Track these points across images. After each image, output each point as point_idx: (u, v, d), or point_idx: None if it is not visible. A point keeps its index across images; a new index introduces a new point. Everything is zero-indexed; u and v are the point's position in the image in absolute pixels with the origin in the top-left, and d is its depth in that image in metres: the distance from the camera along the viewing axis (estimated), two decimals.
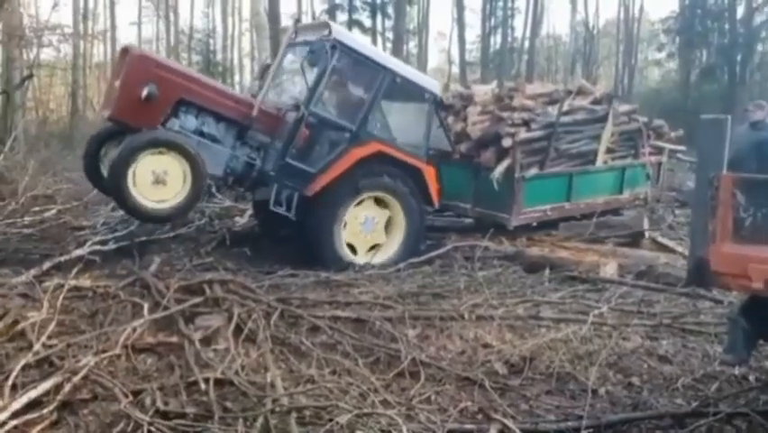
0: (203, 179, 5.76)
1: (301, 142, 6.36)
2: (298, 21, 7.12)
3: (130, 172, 5.45)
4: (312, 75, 6.29)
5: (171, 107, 5.94)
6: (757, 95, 17.59)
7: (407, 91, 6.89)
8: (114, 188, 5.55)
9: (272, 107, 6.51)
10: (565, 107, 8.16)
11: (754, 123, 7.26)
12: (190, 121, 6.11)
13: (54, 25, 17.93)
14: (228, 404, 3.33)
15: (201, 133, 6.14)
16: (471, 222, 8.32)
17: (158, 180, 5.59)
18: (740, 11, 25.77)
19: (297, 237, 6.75)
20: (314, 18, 29.53)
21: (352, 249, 6.68)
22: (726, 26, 26.11)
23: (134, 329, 4.11)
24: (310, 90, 6.27)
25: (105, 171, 6.09)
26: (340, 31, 6.62)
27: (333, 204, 6.38)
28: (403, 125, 7.10)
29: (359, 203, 6.60)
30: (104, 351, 3.79)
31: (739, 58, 25.06)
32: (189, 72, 6.85)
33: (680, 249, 7.11)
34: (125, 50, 6.22)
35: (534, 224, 8.07)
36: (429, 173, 6.90)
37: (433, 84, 7.19)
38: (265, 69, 7.40)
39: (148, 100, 5.70)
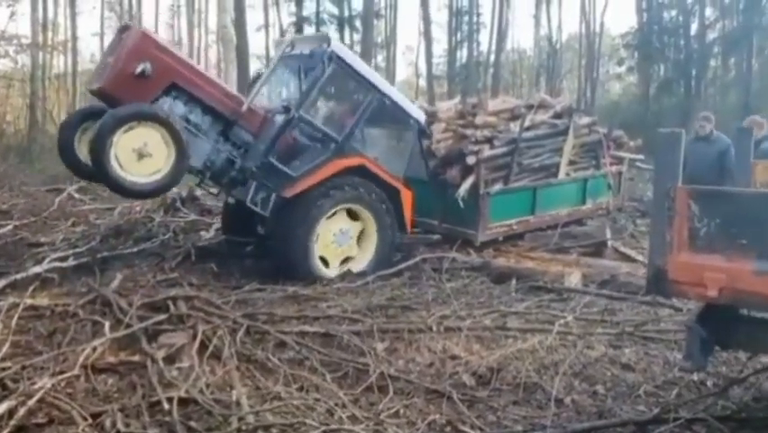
0: (181, 135, 5.69)
1: (285, 146, 6.42)
2: (299, 30, 7.21)
3: (112, 159, 5.37)
4: (306, 81, 6.41)
5: (163, 90, 5.92)
6: (711, 108, 18.27)
7: (394, 115, 7.02)
8: (105, 178, 5.48)
9: (261, 108, 6.54)
10: (527, 123, 8.34)
11: (706, 136, 7.30)
12: (179, 107, 6.08)
13: (11, 35, 17.48)
14: (192, 424, 3.26)
15: (187, 121, 6.10)
16: (439, 238, 8.40)
17: (142, 155, 5.52)
18: (694, 27, 26.87)
19: (266, 248, 6.68)
20: (281, 31, 29.51)
21: (323, 261, 6.63)
22: (682, 42, 27.14)
23: (94, 349, 4.01)
24: (302, 95, 6.40)
25: (83, 158, 5.99)
26: (339, 45, 6.75)
27: (309, 210, 6.35)
28: (385, 147, 7.22)
29: (333, 214, 6.57)
30: (61, 372, 3.67)
31: (694, 72, 26.05)
32: (186, 59, 6.83)
33: (641, 258, 7.29)
34: (126, 27, 6.20)
35: (501, 238, 8.21)
36: (406, 196, 6.99)
37: (418, 112, 7.31)
38: (255, 79, 7.40)
39: (140, 77, 5.67)
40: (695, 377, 4.06)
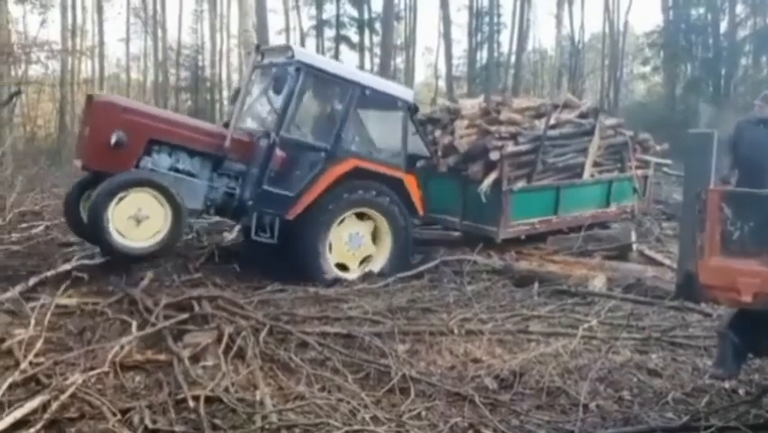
0: (181, 206, 5.78)
1: (277, 167, 6.35)
2: (259, 46, 7.12)
3: (111, 231, 5.50)
4: (279, 100, 6.31)
5: (143, 149, 5.97)
6: (742, 108, 17.83)
7: (379, 102, 6.91)
8: (108, 250, 5.58)
9: (245, 135, 6.51)
10: (552, 121, 8.24)
11: (766, 120, 6.26)
12: (164, 159, 6.13)
13: (42, 42, 17.94)
14: (217, 422, 3.30)
15: (176, 170, 6.16)
16: (460, 235, 8.34)
17: (139, 219, 5.63)
18: (723, 25, 26.32)
19: (284, 258, 6.75)
20: (302, 34, 29.73)
21: (342, 268, 6.66)
22: (710, 40, 26.60)
23: (122, 346, 4.08)
24: (279, 116, 6.30)
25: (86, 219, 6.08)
26: (302, 52, 6.68)
27: (316, 225, 6.36)
28: (379, 136, 7.10)
29: (341, 221, 6.59)
30: (91, 368, 3.75)
31: (723, 71, 25.50)
32: (157, 112, 6.93)
33: (667, 262, 7.16)
34: (90, 99, 6.23)
35: (523, 237, 8.10)
36: (410, 182, 6.89)
37: (404, 92, 7.21)
38: (237, 94, 7.42)
39: (117, 146, 5.74)
40: (726, 385, 3.95)
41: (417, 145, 7.37)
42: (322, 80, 6.55)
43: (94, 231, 5.57)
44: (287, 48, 6.68)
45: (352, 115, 6.64)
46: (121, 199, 5.57)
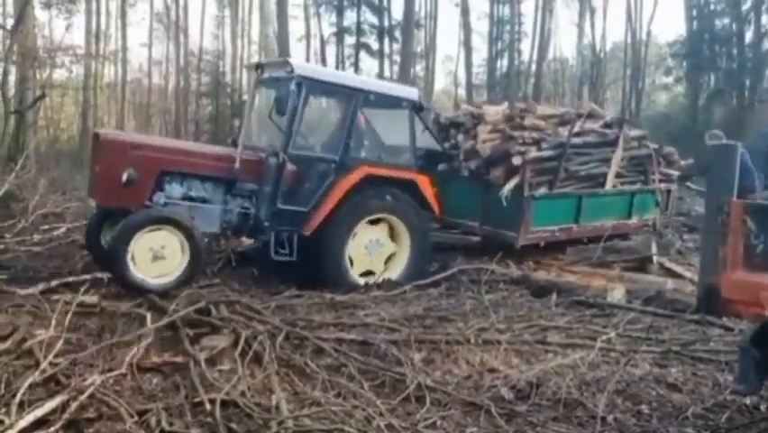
0: (200, 247, 5.84)
1: (288, 184, 6.37)
2: (259, 63, 7.10)
3: (128, 254, 5.55)
4: (284, 119, 6.28)
5: (154, 182, 6.02)
6: (766, 118, 17.52)
7: (385, 105, 6.90)
8: (116, 271, 5.61)
9: (254, 154, 6.51)
10: (576, 129, 8.18)
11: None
12: (176, 189, 6.17)
13: (67, 46, 18.37)
14: (233, 426, 3.31)
15: (190, 198, 6.21)
16: (479, 240, 8.28)
17: (157, 257, 5.69)
18: (748, 36, 25.95)
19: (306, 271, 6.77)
20: (322, 41, 29.97)
21: (370, 274, 6.69)
22: (735, 51, 26.24)
23: (140, 349, 4.12)
24: (285, 134, 6.28)
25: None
26: (301, 65, 6.65)
27: (333, 237, 6.38)
28: (388, 139, 7.09)
29: (372, 222, 6.61)
30: (110, 370, 3.79)
31: (748, 82, 25.13)
32: (165, 143, 7.01)
33: (688, 275, 7.06)
34: (96, 137, 6.26)
35: (542, 244, 8.02)
36: (423, 182, 6.84)
37: (408, 91, 7.16)
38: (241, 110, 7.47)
39: (129, 183, 5.81)
40: (747, 401, 3.88)
41: (429, 142, 7.33)
42: (324, 91, 6.57)
43: (113, 269, 5.63)
44: (285, 62, 6.64)
45: (359, 121, 6.62)
46: (148, 232, 5.64)
